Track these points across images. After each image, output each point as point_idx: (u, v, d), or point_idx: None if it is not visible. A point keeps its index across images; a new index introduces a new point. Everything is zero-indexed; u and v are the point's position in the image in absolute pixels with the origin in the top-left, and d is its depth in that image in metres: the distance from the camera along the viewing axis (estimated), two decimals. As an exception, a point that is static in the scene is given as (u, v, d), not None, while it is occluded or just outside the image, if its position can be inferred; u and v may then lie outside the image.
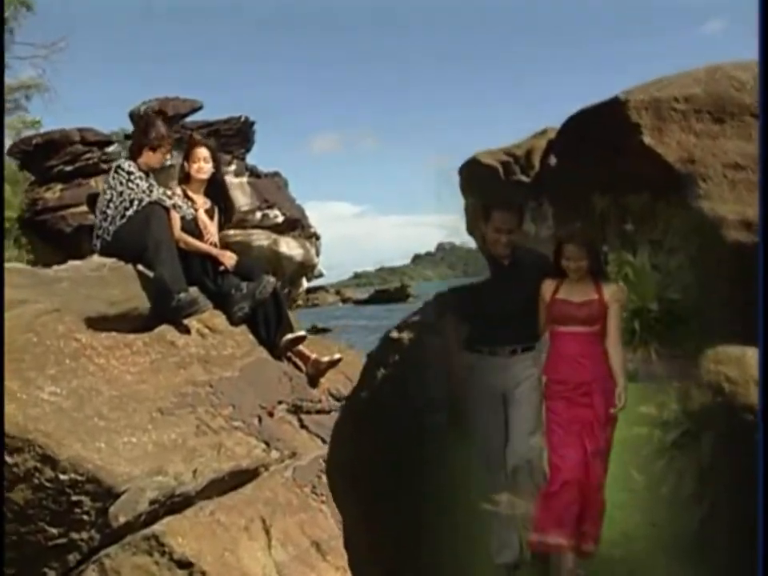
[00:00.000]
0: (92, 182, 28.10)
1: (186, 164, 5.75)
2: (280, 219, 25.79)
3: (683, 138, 2.62)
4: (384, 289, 63.00)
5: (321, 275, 35.73)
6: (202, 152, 5.79)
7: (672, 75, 2.84)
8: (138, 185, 5.33)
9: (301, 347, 5.54)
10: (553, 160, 2.97)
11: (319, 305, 58.22)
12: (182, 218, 5.42)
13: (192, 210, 5.45)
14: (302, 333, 5.55)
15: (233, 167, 25.33)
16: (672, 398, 2.57)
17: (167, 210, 5.30)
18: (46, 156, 26.93)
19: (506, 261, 3.52)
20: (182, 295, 5.00)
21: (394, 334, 3.13)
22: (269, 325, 5.47)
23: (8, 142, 28.07)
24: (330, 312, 50.19)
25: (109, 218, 5.39)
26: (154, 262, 5.12)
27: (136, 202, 5.31)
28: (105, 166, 28.36)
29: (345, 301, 66.74)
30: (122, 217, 5.33)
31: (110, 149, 29.91)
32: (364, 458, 2.97)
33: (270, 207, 25.54)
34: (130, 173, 5.37)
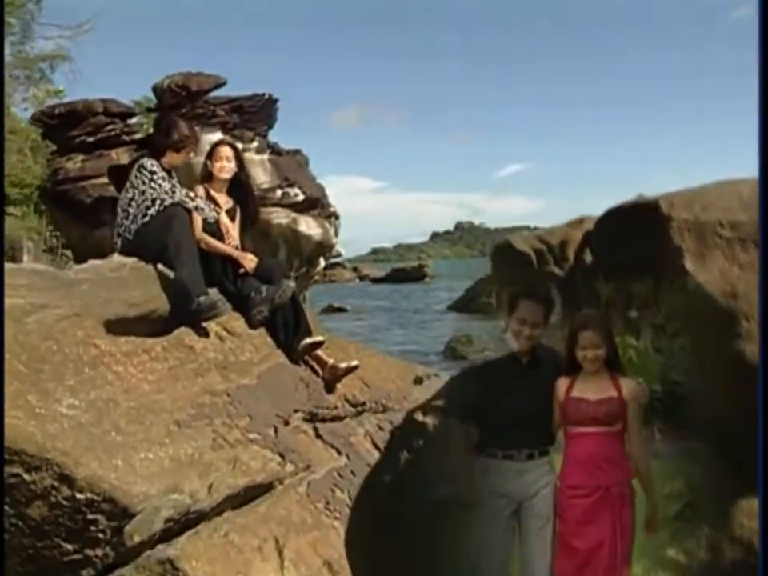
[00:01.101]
0: (113, 153, 28.05)
1: (208, 163, 5.76)
2: (300, 198, 25.64)
3: (726, 267, 2.50)
4: (401, 267, 63.03)
5: (339, 255, 35.63)
6: (225, 151, 5.79)
7: (715, 188, 2.72)
8: (160, 185, 5.32)
9: (318, 352, 5.54)
10: (588, 257, 2.90)
11: (336, 281, 58.43)
12: (204, 221, 5.43)
13: (214, 213, 5.45)
14: (320, 338, 5.55)
15: (254, 144, 25.19)
16: (701, 547, 2.50)
17: (189, 211, 5.29)
18: (69, 126, 26.87)
19: (524, 358, 3.32)
20: (202, 298, 5.00)
21: (419, 417, 3.09)
22: (287, 328, 5.47)
23: (31, 112, 28.16)
24: (346, 289, 50.39)
25: (130, 217, 5.39)
26: (175, 264, 5.12)
27: (158, 201, 5.31)
28: (127, 138, 28.37)
29: (362, 278, 66.89)
30: (144, 215, 5.33)
31: (133, 120, 29.91)
32: (383, 537, 2.94)
33: (291, 185, 25.40)
34: (152, 172, 5.36)
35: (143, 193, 5.35)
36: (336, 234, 27.74)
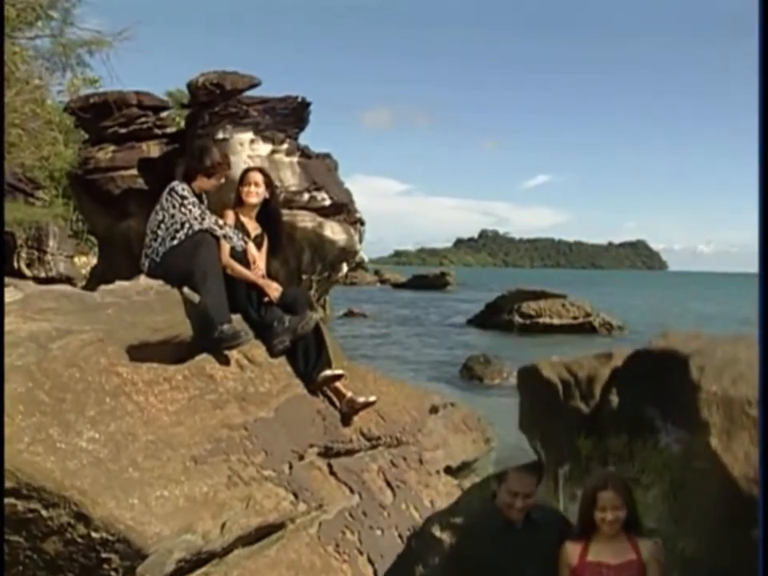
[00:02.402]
0: (144, 146, 28.36)
1: (239, 188, 5.83)
2: (327, 202, 25.75)
3: (752, 450, 2.45)
4: (423, 274, 63.00)
5: (362, 262, 35.80)
6: (254, 176, 5.86)
7: (747, 353, 2.68)
8: (190, 210, 5.37)
9: (337, 384, 5.57)
10: (615, 400, 2.88)
11: (357, 283, 58.59)
12: (232, 248, 5.47)
13: (242, 243, 5.48)
14: (340, 371, 5.58)
15: (285, 146, 25.32)
16: None
17: (217, 239, 5.34)
18: (102, 116, 27.09)
19: (518, 524, 3.20)
20: (225, 327, 5.04)
21: (436, 532, 3.08)
22: (308, 358, 5.51)
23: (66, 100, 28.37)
24: (367, 293, 50.46)
25: (159, 239, 5.44)
26: (200, 291, 5.17)
27: (187, 226, 5.36)
28: (159, 132, 28.64)
29: (383, 281, 67.00)
30: (173, 238, 5.39)
31: (165, 114, 30.18)
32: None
33: (318, 189, 25.51)
34: (183, 197, 5.41)
35: (173, 216, 5.40)
36: (360, 241, 27.83)
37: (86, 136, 29.49)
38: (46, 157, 19.09)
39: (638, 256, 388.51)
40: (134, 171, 27.63)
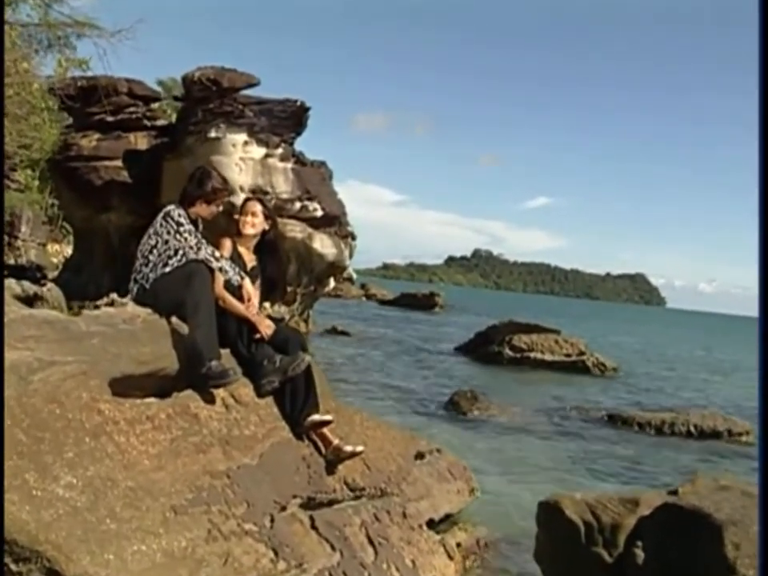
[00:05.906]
0: (131, 136, 28.25)
1: (238, 217, 5.88)
2: (319, 213, 25.66)
3: None
4: (412, 293, 63.01)
5: (350, 278, 35.82)
6: (251, 206, 5.93)
7: None
8: (186, 238, 5.38)
9: (324, 430, 5.59)
10: (640, 555, 2.88)
11: (342, 296, 58.55)
12: (226, 280, 5.48)
13: (238, 278, 5.49)
14: (327, 417, 5.60)
15: (279, 150, 25.23)
16: None
17: (212, 270, 5.34)
18: (89, 102, 26.84)
19: None
20: (214, 363, 5.04)
21: None
22: (295, 401, 5.53)
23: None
24: (353, 308, 50.42)
25: (150, 265, 5.45)
26: (190, 324, 5.17)
27: (181, 253, 5.37)
28: (148, 123, 28.55)
29: (369, 296, 67.06)
30: (165, 265, 5.39)
31: (155, 105, 30.11)
32: None
33: (311, 199, 25.43)
34: (179, 224, 5.42)
35: (167, 242, 5.41)
36: (350, 256, 27.80)
37: (70, 119, 29.29)
38: (28, 145, 18.97)
39: (636, 290, 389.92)
40: (119, 162, 27.50)
